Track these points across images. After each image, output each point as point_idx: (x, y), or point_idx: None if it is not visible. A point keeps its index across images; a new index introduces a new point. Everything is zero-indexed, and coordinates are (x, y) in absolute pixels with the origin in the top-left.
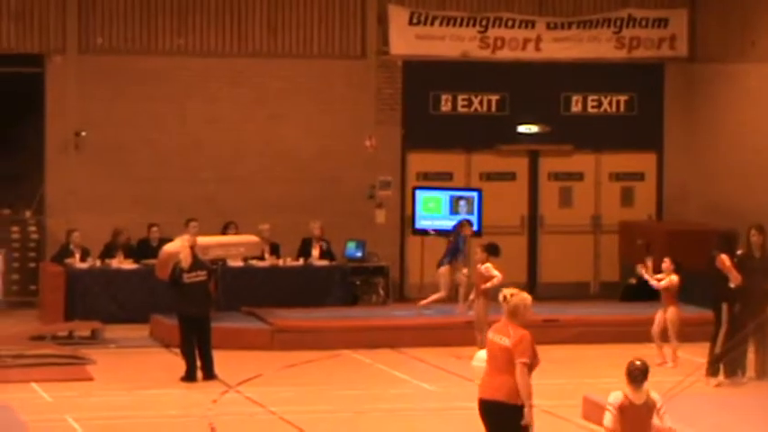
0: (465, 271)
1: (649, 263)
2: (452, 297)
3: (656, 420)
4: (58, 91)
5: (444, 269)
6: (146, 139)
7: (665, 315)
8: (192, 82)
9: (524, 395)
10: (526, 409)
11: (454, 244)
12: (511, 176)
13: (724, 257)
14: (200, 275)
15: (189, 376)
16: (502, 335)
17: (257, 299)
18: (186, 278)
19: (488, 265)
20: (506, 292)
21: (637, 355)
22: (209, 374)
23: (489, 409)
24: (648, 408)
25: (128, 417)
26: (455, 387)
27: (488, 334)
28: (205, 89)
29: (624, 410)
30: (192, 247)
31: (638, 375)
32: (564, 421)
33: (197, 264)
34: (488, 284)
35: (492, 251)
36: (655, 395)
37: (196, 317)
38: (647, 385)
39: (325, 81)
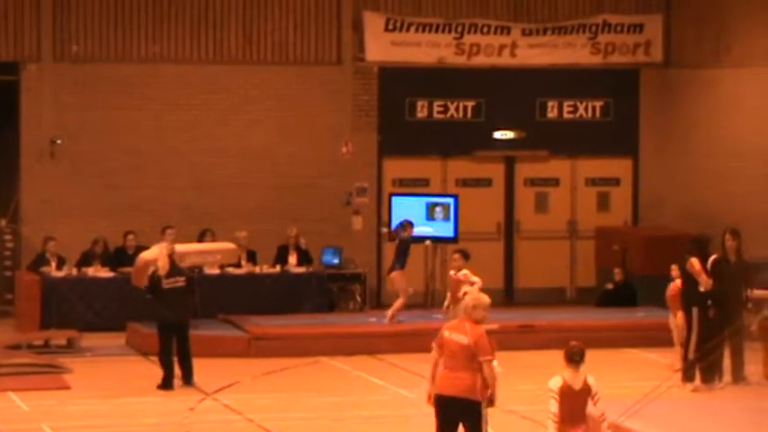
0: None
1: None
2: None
3: (590, 407)
4: (34, 99)
5: (396, 274)
6: (122, 146)
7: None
8: (167, 89)
9: (495, 387)
10: (496, 402)
11: (403, 246)
12: (487, 182)
13: (694, 261)
14: (179, 281)
15: (165, 384)
16: (459, 333)
17: (234, 306)
18: (165, 284)
19: (466, 271)
20: (465, 290)
21: (614, 360)
22: (188, 381)
23: (449, 405)
24: (585, 392)
25: (105, 425)
26: None
27: (444, 332)
28: (181, 96)
29: (563, 395)
30: (171, 254)
31: (576, 357)
32: (541, 426)
33: (175, 270)
34: (472, 289)
35: (467, 257)
36: (591, 380)
37: (174, 323)
38: (583, 369)
39: (301, 88)
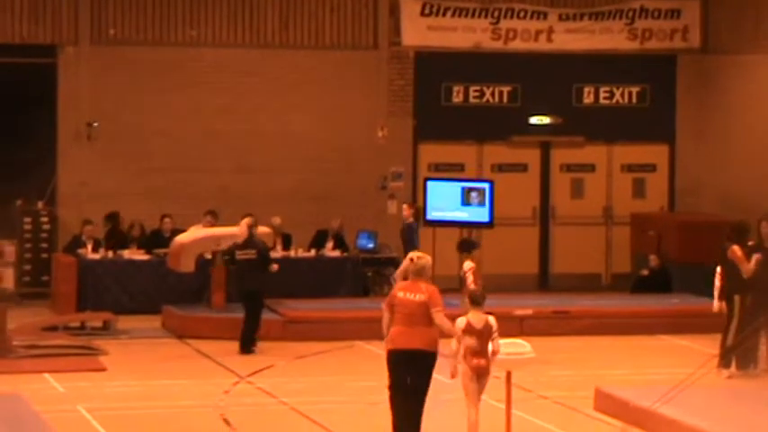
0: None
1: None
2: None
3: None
4: (71, 82)
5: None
6: (158, 129)
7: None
8: (204, 73)
9: (452, 332)
10: (454, 344)
11: (406, 231)
12: (522, 168)
13: (736, 248)
14: (250, 254)
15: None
16: (415, 292)
17: (269, 289)
18: (238, 255)
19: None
20: (412, 254)
21: (648, 347)
22: (246, 350)
23: (406, 357)
24: (486, 331)
25: (140, 407)
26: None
27: (398, 294)
28: (218, 80)
29: (467, 332)
30: (251, 227)
31: (478, 299)
32: (575, 412)
33: (250, 243)
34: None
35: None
36: (492, 321)
37: (244, 292)
38: (483, 311)
39: (338, 72)
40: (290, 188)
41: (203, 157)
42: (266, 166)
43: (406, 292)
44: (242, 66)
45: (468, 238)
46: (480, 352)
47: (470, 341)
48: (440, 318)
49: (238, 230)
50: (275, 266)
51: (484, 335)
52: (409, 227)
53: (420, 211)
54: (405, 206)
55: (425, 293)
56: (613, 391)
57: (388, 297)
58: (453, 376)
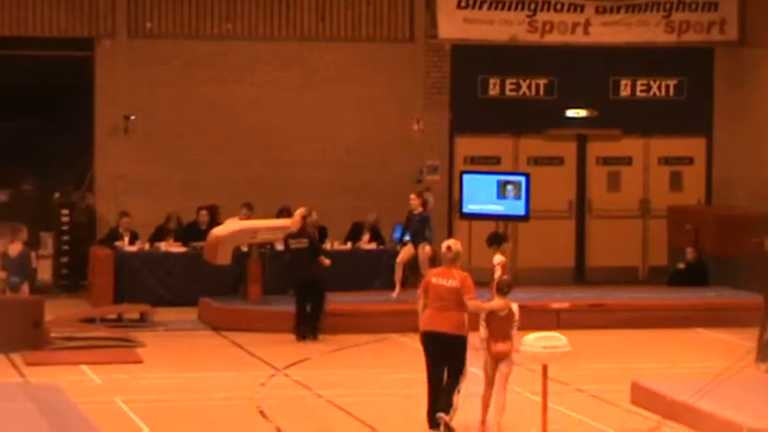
0: (428, 248)
1: None
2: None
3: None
4: (108, 75)
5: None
6: (195, 122)
7: None
8: (240, 66)
9: (486, 308)
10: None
11: (414, 222)
12: (559, 161)
13: None
14: (302, 243)
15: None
16: (447, 278)
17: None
18: (291, 244)
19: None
20: (447, 243)
21: (685, 340)
22: (313, 335)
23: (437, 340)
24: (509, 318)
25: (177, 399)
26: None
27: (431, 279)
28: (253, 73)
29: (490, 317)
30: (305, 217)
31: (503, 288)
32: (612, 406)
33: (302, 233)
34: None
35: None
36: (515, 308)
37: (298, 281)
38: (509, 299)
39: (373, 65)
40: (326, 181)
41: (239, 150)
42: (302, 160)
43: (439, 277)
44: (278, 59)
45: (497, 231)
46: (501, 337)
47: (492, 327)
48: (472, 304)
49: (291, 221)
50: (327, 261)
51: (506, 321)
52: (419, 217)
53: (428, 201)
54: (412, 196)
55: (457, 279)
56: (650, 385)
57: (422, 282)
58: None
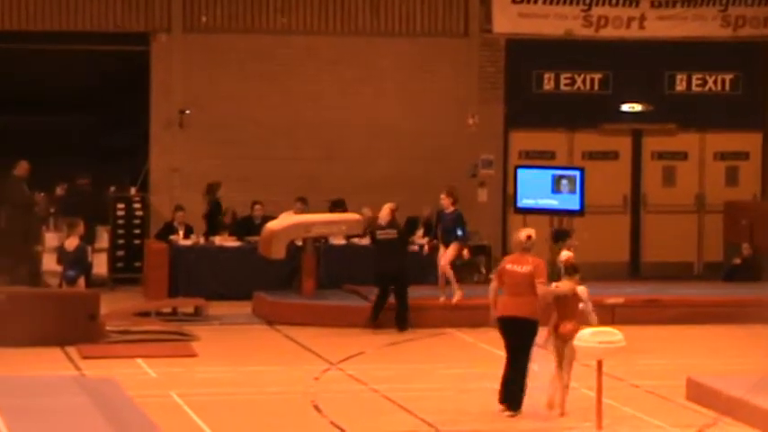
0: (465, 251)
1: None
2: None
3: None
4: (163, 69)
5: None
6: (250, 117)
7: None
8: (295, 60)
9: (551, 294)
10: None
11: (445, 221)
12: (614, 155)
13: None
14: (390, 234)
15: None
16: (522, 264)
17: (360, 276)
18: (379, 235)
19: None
20: (524, 233)
21: (740, 336)
22: (401, 326)
23: (512, 324)
24: (573, 299)
25: (231, 393)
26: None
27: (506, 266)
28: (308, 67)
29: (557, 300)
30: (394, 210)
31: (569, 269)
32: (667, 402)
33: (392, 224)
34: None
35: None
36: (581, 290)
37: (384, 272)
38: (576, 279)
39: (428, 59)
40: (380, 176)
41: (293, 144)
42: (356, 154)
43: (513, 264)
44: (333, 53)
45: (561, 228)
46: (565, 317)
47: (559, 308)
48: (541, 288)
49: (380, 214)
50: (426, 247)
51: (571, 302)
52: (451, 216)
53: (458, 198)
54: (442, 195)
55: (531, 265)
56: (705, 381)
57: (498, 268)
58: (541, 343)
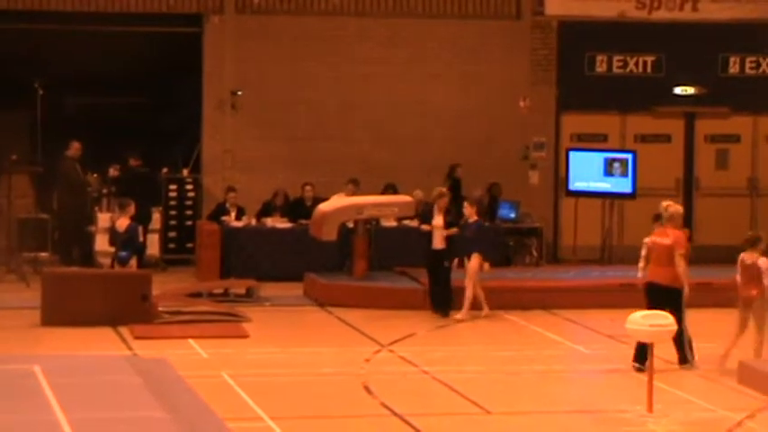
0: (486, 265)
1: None
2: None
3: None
4: (216, 51)
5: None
6: (301, 99)
7: None
8: (347, 42)
9: (684, 275)
10: (685, 287)
11: (474, 231)
12: (666, 138)
13: None
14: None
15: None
16: (663, 237)
17: (410, 259)
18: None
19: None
20: (664, 203)
21: None
22: (441, 312)
23: (655, 290)
24: (754, 269)
25: (282, 374)
26: (609, 349)
27: (654, 238)
28: (360, 50)
29: (743, 268)
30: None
31: (749, 241)
32: (719, 385)
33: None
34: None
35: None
36: (761, 263)
37: (432, 257)
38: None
39: (480, 42)
40: (432, 158)
41: (344, 126)
42: (407, 136)
43: (657, 237)
44: (385, 35)
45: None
46: (746, 285)
47: (743, 273)
48: (678, 258)
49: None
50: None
51: (751, 270)
52: (474, 226)
53: (483, 208)
54: (466, 204)
55: (671, 238)
56: (758, 365)
57: (648, 241)
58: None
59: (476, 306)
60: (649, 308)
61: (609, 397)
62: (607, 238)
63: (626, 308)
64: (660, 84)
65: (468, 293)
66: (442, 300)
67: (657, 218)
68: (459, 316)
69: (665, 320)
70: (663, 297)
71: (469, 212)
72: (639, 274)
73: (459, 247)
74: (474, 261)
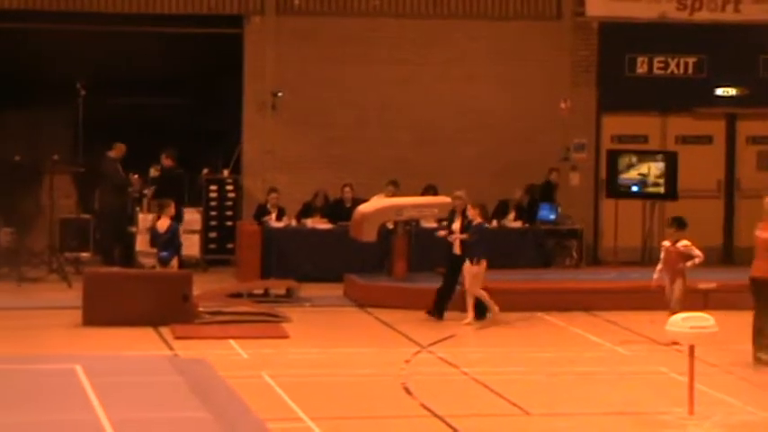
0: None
1: None
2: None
3: None
4: (257, 52)
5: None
6: (341, 100)
7: None
8: (387, 43)
9: None
10: None
11: (473, 234)
12: (707, 140)
13: None
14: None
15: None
16: (764, 231)
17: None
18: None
19: (687, 242)
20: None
21: None
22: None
23: (758, 284)
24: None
25: (322, 374)
26: (650, 352)
27: (756, 232)
28: (400, 50)
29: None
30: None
31: None
32: (761, 389)
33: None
34: (690, 264)
35: (683, 225)
36: None
37: (452, 262)
38: None
39: (520, 43)
40: (472, 159)
41: (383, 127)
42: (447, 138)
43: (761, 231)
44: (425, 36)
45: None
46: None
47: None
48: None
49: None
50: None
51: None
52: (476, 228)
53: (487, 211)
54: (469, 206)
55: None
56: None
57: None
58: None
59: (516, 306)
60: (757, 303)
61: (649, 399)
62: (648, 240)
63: (667, 309)
64: (701, 85)
65: (485, 296)
66: (441, 303)
67: (673, 223)
68: (495, 316)
69: (706, 322)
70: (765, 290)
71: (473, 215)
72: (655, 276)
73: (468, 250)
74: (481, 270)
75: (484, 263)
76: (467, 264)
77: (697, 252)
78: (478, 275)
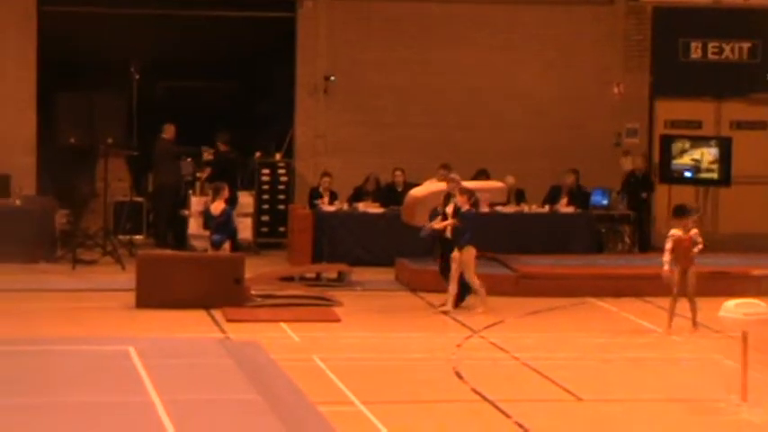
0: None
1: None
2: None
3: None
4: (309, 35)
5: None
6: (391, 83)
7: None
8: (435, 27)
9: None
10: None
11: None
12: (762, 125)
13: None
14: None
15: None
16: None
17: (502, 244)
18: None
19: (695, 229)
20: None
21: None
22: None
23: None
24: None
25: (373, 359)
26: (702, 338)
27: None
28: (448, 35)
29: None
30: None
31: None
32: None
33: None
34: (696, 250)
35: (687, 212)
36: None
37: (443, 246)
38: None
39: (573, 27)
40: (524, 143)
41: (436, 111)
42: (496, 122)
43: None
44: (475, 20)
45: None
46: None
47: None
48: None
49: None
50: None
51: None
52: (467, 215)
53: (478, 199)
54: (457, 192)
55: None
56: None
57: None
58: None
59: (568, 291)
60: None
61: (702, 385)
62: (701, 226)
63: (719, 296)
64: (756, 70)
65: (476, 285)
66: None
67: (677, 211)
68: (480, 310)
69: (759, 308)
70: None
71: (461, 201)
72: (665, 267)
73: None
74: (472, 257)
75: (472, 250)
76: (455, 251)
77: (701, 239)
78: (468, 263)
